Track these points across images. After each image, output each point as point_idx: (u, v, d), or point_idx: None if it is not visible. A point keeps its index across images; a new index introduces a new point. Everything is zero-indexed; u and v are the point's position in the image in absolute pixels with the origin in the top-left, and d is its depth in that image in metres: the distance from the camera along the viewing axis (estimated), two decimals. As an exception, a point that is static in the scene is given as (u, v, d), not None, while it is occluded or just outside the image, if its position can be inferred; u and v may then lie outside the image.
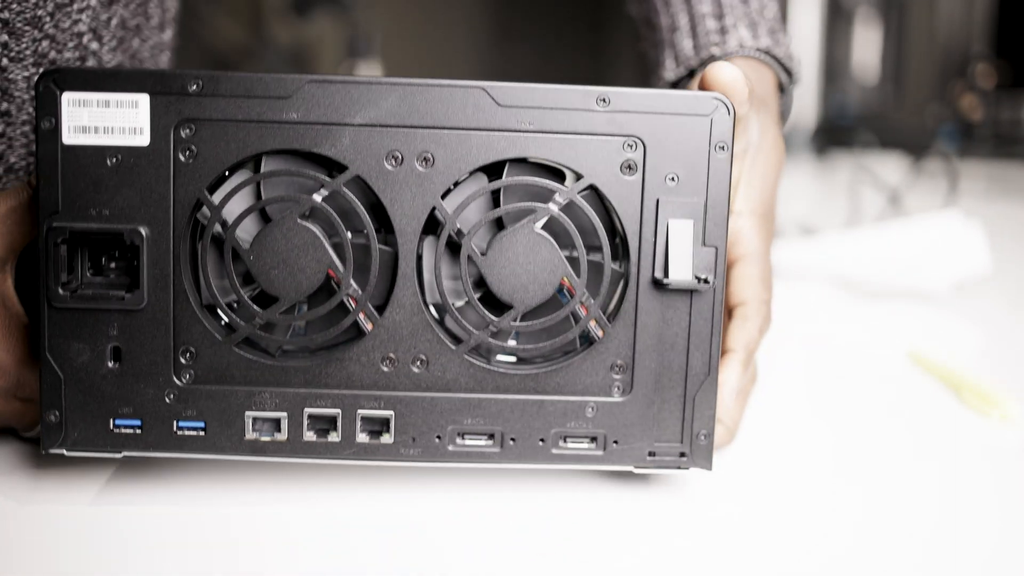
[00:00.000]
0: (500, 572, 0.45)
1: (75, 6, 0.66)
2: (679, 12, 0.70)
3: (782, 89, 0.69)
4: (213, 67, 0.68)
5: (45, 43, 0.64)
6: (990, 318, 0.96)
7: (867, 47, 2.83)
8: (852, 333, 0.89)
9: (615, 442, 0.52)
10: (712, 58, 0.68)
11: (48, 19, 0.64)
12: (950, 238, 1.03)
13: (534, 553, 0.47)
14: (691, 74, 0.70)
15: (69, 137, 0.49)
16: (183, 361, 0.51)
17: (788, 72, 0.69)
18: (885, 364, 0.79)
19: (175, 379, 0.51)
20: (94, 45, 0.68)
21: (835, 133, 2.19)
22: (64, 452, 0.52)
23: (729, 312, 0.58)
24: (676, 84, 0.71)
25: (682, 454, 0.52)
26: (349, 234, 0.50)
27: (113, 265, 0.52)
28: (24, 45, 0.63)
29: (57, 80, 0.49)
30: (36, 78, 0.50)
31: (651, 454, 0.52)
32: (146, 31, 0.76)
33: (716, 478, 0.55)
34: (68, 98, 0.49)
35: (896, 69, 2.78)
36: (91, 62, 0.68)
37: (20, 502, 0.51)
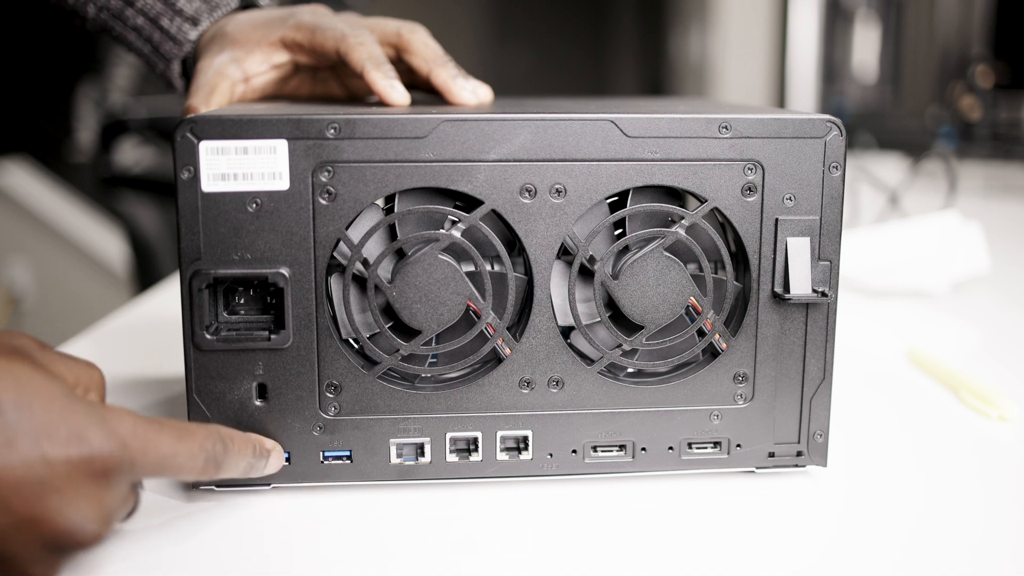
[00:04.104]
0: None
1: None
2: None
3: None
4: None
5: None
6: (989, 318, 0.96)
7: (866, 48, 2.86)
8: (852, 333, 0.87)
9: (738, 445, 0.56)
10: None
11: None
12: (949, 238, 1.04)
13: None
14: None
15: (208, 185, 0.50)
16: (328, 395, 0.53)
17: None
18: (884, 364, 0.79)
19: (321, 412, 0.53)
20: None
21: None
22: (214, 488, 0.54)
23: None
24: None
25: (799, 453, 0.56)
26: (487, 266, 0.52)
27: (244, 303, 0.53)
28: None
29: (195, 130, 0.50)
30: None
31: (771, 455, 0.56)
32: None
33: (717, 476, 0.57)
34: (206, 147, 0.50)
35: (895, 70, 2.82)
36: None
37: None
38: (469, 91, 0.64)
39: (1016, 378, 0.75)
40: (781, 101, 2.92)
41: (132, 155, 1.96)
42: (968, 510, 0.53)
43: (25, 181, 2.95)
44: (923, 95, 2.65)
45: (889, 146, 2.12)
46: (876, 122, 2.47)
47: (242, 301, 0.54)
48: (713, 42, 3.04)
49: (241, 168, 0.50)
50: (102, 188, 2.08)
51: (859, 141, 2.10)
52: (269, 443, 0.52)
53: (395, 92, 0.61)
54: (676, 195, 0.54)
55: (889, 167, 1.85)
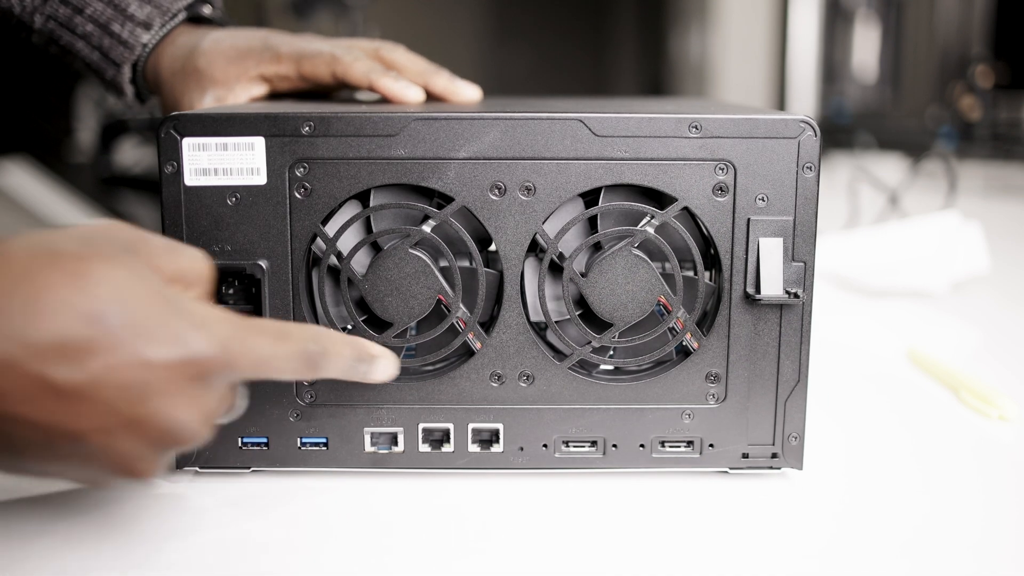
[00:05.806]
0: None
1: None
2: None
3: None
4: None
5: None
6: (989, 318, 0.95)
7: (866, 48, 2.82)
8: (852, 333, 0.88)
9: (711, 445, 0.56)
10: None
11: None
12: (949, 239, 1.03)
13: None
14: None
15: (191, 179, 0.53)
16: (305, 383, 0.55)
17: None
18: (884, 364, 0.79)
19: (298, 400, 0.55)
20: None
21: (834, 134, 2.19)
22: (197, 469, 0.56)
23: None
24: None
25: (774, 455, 0.56)
26: (465, 262, 0.53)
27: (233, 292, 0.56)
28: None
29: (177, 127, 0.52)
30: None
31: (744, 456, 0.56)
32: None
33: (718, 476, 0.57)
34: (188, 143, 0.52)
35: (895, 70, 2.79)
36: None
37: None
38: (471, 90, 0.67)
39: (1016, 378, 0.74)
40: (781, 101, 2.88)
41: (132, 155, 2.00)
42: (968, 510, 0.53)
43: (25, 181, 2.97)
44: (923, 95, 2.60)
45: (889, 146, 2.09)
46: (876, 122, 2.42)
47: (231, 292, 0.56)
48: (713, 42, 3.01)
49: (221, 163, 0.52)
50: (102, 188, 2.10)
51: (859, 141, 2.09)
52: (376, 349, 0.50)
53: (411, 91, 0.64)
54: (653, 195, 0.54)
55: (889, 167, 1.85)
